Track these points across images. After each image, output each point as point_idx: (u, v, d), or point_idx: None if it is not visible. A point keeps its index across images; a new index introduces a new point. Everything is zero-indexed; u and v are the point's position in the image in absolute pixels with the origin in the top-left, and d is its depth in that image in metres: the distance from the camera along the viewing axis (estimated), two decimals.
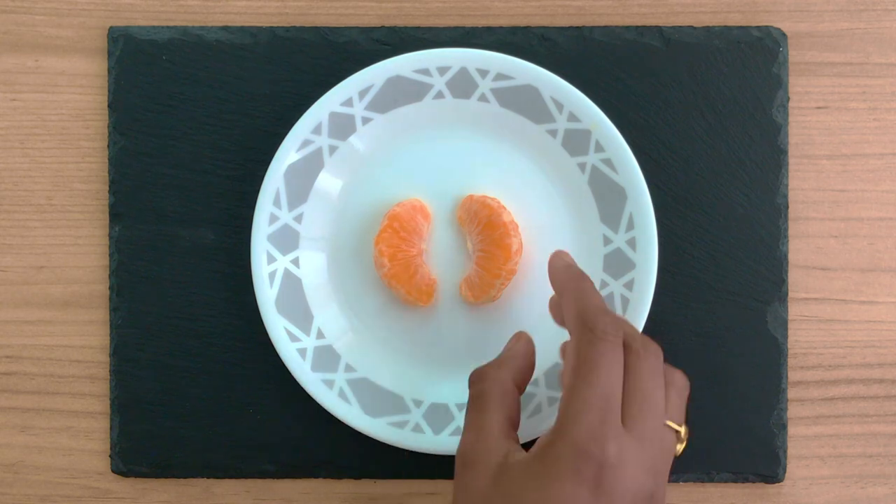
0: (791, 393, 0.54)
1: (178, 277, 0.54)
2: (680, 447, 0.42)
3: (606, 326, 0.41)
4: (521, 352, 0.45)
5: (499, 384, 0.43)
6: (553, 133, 0.52)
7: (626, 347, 0.41)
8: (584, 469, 0.38)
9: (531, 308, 0.53)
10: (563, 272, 0.45)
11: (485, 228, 0.51)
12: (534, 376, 0.52)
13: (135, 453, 0.54)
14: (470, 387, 0.44)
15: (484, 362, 0.53)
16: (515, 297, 0.53)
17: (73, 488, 0.55)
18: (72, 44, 0.54)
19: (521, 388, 0.44)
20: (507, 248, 0.51)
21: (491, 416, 0.42)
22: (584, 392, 0.40)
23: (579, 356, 0.41)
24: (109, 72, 0.54)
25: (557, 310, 0.46)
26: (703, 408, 0.53)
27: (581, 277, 0.44)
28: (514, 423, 0.43)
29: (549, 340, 0.50)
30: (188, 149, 0.54)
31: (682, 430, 0.42)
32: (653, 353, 0.41)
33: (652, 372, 0.41)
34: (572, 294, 0.43)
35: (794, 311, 0.54)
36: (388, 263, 0.52)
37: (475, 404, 0.43)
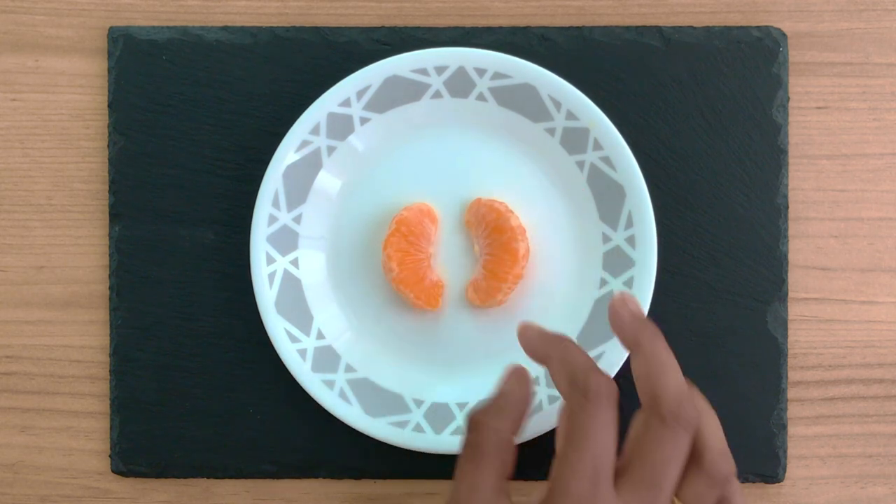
0: (791, 393, 0.54)
1: (178, 277, 0.54)
2: None
3: (599, 388, 0.39)
4: (521, 397, 0.43)
5: (496, 435, 0.41)
6: (551, 131, 0.52)
7: (655, 411, 0.39)
8: None
9: (536, 311, 0.53)
10: (540, 340, 0.43)
11: (492, 232, 0.51)
12: (534, 375, 0.52)
13: (135, 453, 0.54)
14: (466, 432, 0.42)
15: (484, 362, 0.53)
16: (521, 300, 0.53)
17: (73, 488, 0.55)
18: (72, 44, 0.55)
19: (517, 434, 0.42)
20: (515, 253, 0.51)
21: (485, 472, 0.40)
22: (573, 459, 0.38)
23: (571, 422, 0.39)
24: (109, 72, 0.54)
25: (529, 343, 0.44)
26: None
27: (560, 340, 0.43)
28: (507, 476, 0.41)
29: None
30: (188, 149, 0.54)
31: None
32: (682, 428, 0.39)
33: (672, 444, 0.39)
34: (558, 360, 0.41)
35: (794, 311, 0.54)
36: (397, 268, 0.52)
37: (471, 455, 0.41)
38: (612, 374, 0.51)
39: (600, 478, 0.38)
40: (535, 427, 0.51)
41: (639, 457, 0.39)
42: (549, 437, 0.51)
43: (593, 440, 0.38)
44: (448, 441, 0.51)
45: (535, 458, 0.54)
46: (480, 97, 0.52)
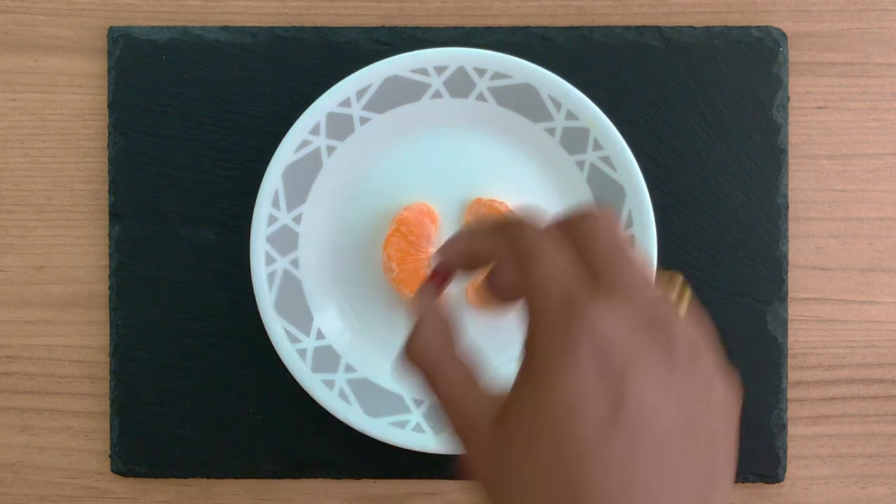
0: (791, 393, 0.54)
1: (178, 277, 0.54)
2: (684, 303, 0.34)
3: (524, 226, 0.34)
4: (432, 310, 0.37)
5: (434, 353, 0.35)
6: (551, 131, 0.52)
7: (569, 227, 0.34)
8: (582, 353, 0.31)
9: None
10: (457, 243, 0.36)
11: None
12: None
13: (135, 453, 0.54)
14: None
15: (485, 363, 0.53)
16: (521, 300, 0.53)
17: (73, 488, 0.55)
18: (72, 44, 0.55)
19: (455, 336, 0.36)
20: None
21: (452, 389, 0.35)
22: (533, 280, 0.33)
23: (519, 260, 0.34)
24: (109, 72, 0.54)
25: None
26: None
27: (469, 232, 0.36)
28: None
29: None
30: (188, 149, 0.54)
31: (678, 279, 0.34)
32: (605, 218, 0.34)
33: (612, 231, 0.33)
34: (487, 237, 0.35)
35: (794, 311, 0.54)
36: (397, 268, 0.52)
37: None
38: None
39: (576, 287, 0.32)
40: None
41: (594, 260, 0.33)
42: None
43: (552, 254, 0.33)
44: (448, 441, 0.51)
45: None
46: (480, 97, 0.52)
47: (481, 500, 0.34)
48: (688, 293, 0.35)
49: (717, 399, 0.33)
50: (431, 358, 0.35)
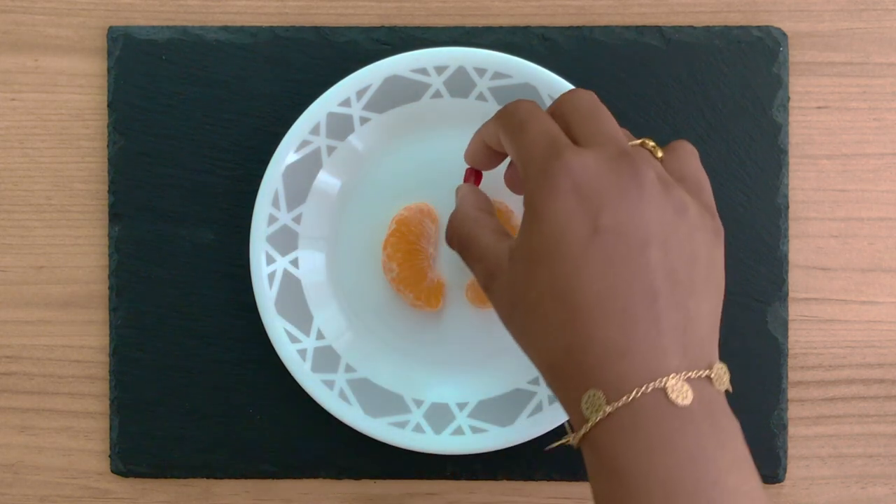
0: (791, 393, 0.54)
1: (178, 277, 0.54)
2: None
3: (519, 102, 0.41)
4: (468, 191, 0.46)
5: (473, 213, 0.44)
6: None
7: (556, 103, 0.41)
8: (561, 184, 0.38)
9: None
10: (472, 144, 0.46)
11: None
12: (534, 375, 0.52)
13: (134, 453, 0.54)
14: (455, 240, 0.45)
15: (484, 362, 0.53)
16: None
17: (73, 488, 0.55)
18: (71, 43, 0.54)
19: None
20: None
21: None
22: (524, 141, 0.39)
23: (506, 133, 0.41)
24: (109, 71, 0.54)
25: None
26: None
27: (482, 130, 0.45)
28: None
29: None
30: (188, 149, 0.54)
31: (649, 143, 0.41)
32: (584, 93, 0.41)
33: (590, 101, 0.41)
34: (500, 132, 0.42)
35: (794, 311, 0.54)
36: (397, 268, 0.52)
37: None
38: None
39: (557, 137, 0.39)
40: (535, 428, 0.51)
41: (573, 125, 0.40)
42: (548, 437, 0.51)
43: (537, 121, 0.40)
44: (448, 441, 0.51)
45: (535, 459, 0.54)
46: (480, 97, 0.52)
47: (506, 327, 0.41)
48: (658, 151, 0.40)
49: (692, 221, 0.38)
50: (470, 223, 0.43)
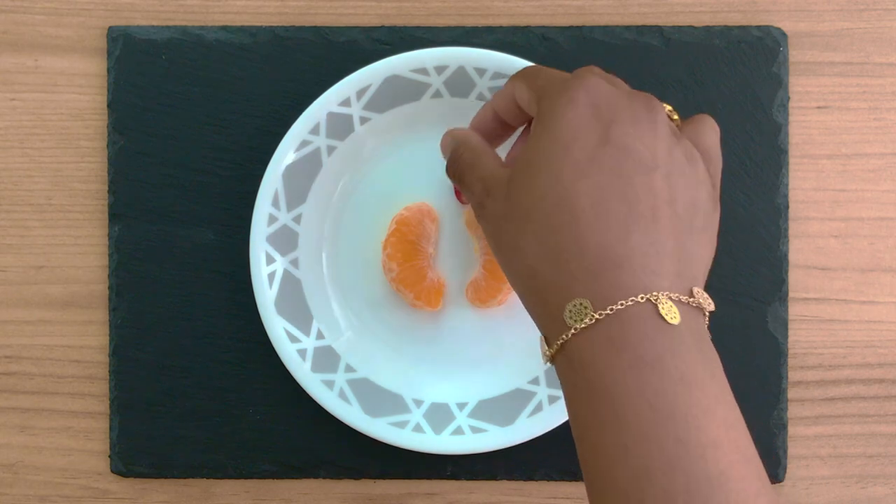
0: (791, 393, 0.54)
1: (178, 277, 0.54)
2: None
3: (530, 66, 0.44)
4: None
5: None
6: None
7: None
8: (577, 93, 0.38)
9: None
10: (482, 111, 0.46)
11: None
12: (534, 375, 0.52)
13: (134, 453, 0.54)
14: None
15: (484, 362, 0.53)
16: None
17: (73, 488, 0.55)
18: (71, 43, 0.54)
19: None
20: None
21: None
22: (541, 81, 0.41)
23: (524, 77, 0.42)
24: (109, 71, 0.54)
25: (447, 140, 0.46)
26: None
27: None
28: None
29: None
30: (188, 149, 0.54)
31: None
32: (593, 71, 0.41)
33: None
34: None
35: (794, 311, 0.54)
36: (397, 268, 0.52)
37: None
38: None
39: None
40: (535, 428, 0.51)
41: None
42: (548, 437, 0.51)
43: (551, 69, 0.42)
44: (448, 441, 0.51)
45: (535, 459, 0.54)
46: (480, 97, 0.52)
47: (492, 249, 0.40)
48: (675, 114, 0.41)
49: (699, 174, 0.38)
50: (475, 151, 0.43)
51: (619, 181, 0.36)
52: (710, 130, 0.41)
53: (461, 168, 0.43)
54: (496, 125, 0.45)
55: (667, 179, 0.37)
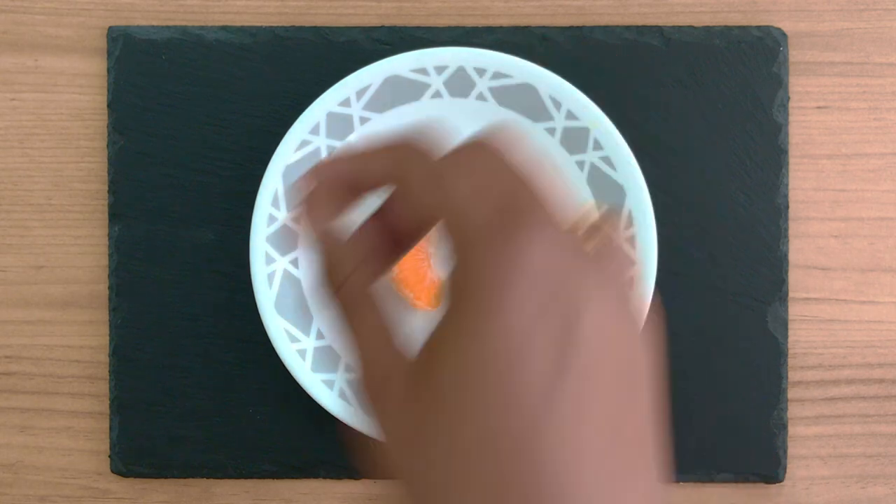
0: (791, 393, 0.54)
1: (178, 277, 0.54)
2: None
3: (424, 140, 0.29)
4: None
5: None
6: (551, 131, 0.52)
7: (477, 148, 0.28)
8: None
9: None
10: (336, 164, 0.31)
11: None
12: None
13: (134, 453, 0.54)
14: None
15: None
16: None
17: (73, 488, 0.55)
18: (71, 43, 0.54)
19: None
20: None
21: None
22: (451, 202, 0.27)
23: (429, 181, 0.28)
24: (109, 71, 0.54)
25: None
26: (704, 408, 0.53)
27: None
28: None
29: None
30: (188, 149, 0.54)
31: None
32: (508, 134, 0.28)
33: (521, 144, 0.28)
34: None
35: (794, 311, 0.54)
36: (397, 268, 0.52)
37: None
38: None
39: (499, 205, 0.26)
40: None
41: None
42: None
43: (465, 172, 0.27)
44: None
45: None
46: (480, 97, 0.52)
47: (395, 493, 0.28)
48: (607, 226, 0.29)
49: (644, 352, 0.27)
50: (355, 294, 0.29)
51: (583, 430, 0.25)
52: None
53: (350, 340, 0.29)
54: (352, 188, 0.31)
55: (625, 389, 0.26)
